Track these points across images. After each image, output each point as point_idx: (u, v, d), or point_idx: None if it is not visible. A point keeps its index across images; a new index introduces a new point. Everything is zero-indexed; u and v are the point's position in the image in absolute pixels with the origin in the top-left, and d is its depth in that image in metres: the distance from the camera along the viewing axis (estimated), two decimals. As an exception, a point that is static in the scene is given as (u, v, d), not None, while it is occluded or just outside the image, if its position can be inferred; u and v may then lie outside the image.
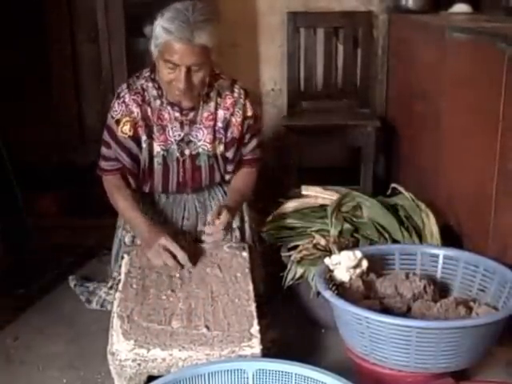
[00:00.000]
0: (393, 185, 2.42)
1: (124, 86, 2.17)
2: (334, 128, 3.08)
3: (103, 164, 2.22)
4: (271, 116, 3.44)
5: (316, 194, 2.45)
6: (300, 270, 2.12)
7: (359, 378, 1.80)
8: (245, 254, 2.08)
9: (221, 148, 2.22)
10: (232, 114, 2.19)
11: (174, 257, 2.01)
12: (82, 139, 3.24)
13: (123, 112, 2.13)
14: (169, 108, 2.16)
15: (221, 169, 2.26)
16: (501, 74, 1.91)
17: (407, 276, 1.98)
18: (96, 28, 3.08)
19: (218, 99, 2.18)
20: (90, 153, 2.58)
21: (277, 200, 2.52)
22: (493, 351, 1.89)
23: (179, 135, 2.18)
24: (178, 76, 2.00)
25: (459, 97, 2.30)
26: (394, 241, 2.20)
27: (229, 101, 2.19)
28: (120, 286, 1.94)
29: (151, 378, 1.63)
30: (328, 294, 1.82)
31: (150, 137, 2.16)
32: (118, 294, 1.89)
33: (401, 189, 2.38)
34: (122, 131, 2.14)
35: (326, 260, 1.97)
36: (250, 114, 2.22)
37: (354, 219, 2.28)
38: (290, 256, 2.19)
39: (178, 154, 2.19)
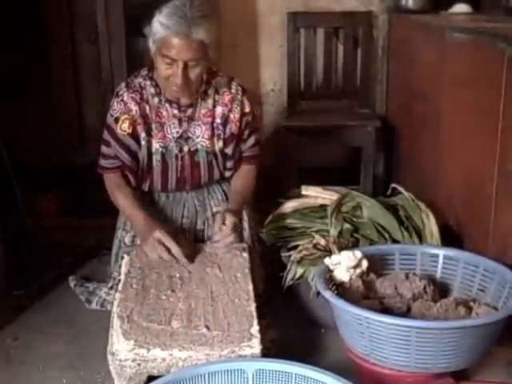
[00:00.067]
0: (393, 185, 2.42)
1: (123, 84, 2.19)
2: (334, 128, 3.08)
3: (103, 162, 2.23)
4: (271, 116, 3.44)
5: (316, 194, 2.45)
6: (300, 270, 2.12)
7: (359, 378, 1.80)
8: (245, 254, 2.08)
9: (220, 144, 2.23)
10: (230, 110, 2.20)
11: (169, 251, 2.02)
12: (82, 139, 3.24)
13: (122, 110, 2.15)
14: (167, 105, 2.17)
15: (220, 165, 2.26)
16: (501, 74, 1.91)
17: (407, 276, 1.97)
18: (96, 30, 3.09)
19: (216, 96, 2.20)
20: (90, 153, 2.60)
21: (277, 200, 2.52)
22: (493, 351, 1.88)
23: (177, 132, 2.19)
24: (175, 71, 2.01)
25: (459, 97, 2.30)
26: (394, 241, 2.20)
27: (227, 97, 2.20)
28: (120, 286, 1.94)
29: (151, 378, 1.62)
30: (328, 294, 1.82)
31: (149, 134, 2.18)
32: (117, 294, 1.89)
33: (401, 189, 2.38)
34: (120, 129, 2.15)
35: (326, 260, 1.97)
36: (247, 110, 2.24)
37: (354, 219, 2.28)
38: (289, 256, 2.19)
39: (176, 151, 2.20)
